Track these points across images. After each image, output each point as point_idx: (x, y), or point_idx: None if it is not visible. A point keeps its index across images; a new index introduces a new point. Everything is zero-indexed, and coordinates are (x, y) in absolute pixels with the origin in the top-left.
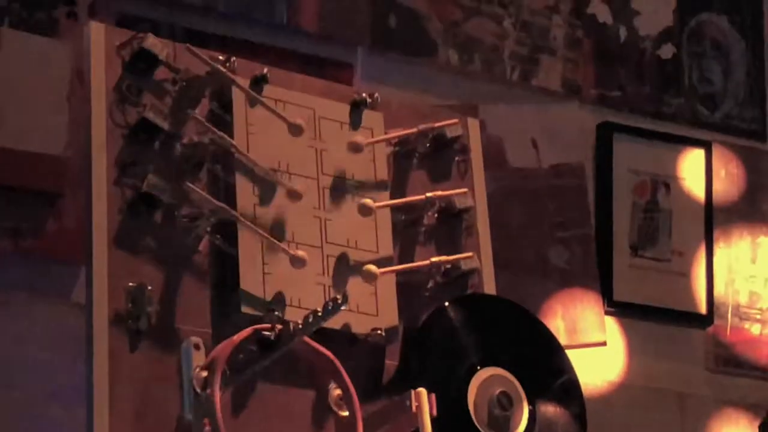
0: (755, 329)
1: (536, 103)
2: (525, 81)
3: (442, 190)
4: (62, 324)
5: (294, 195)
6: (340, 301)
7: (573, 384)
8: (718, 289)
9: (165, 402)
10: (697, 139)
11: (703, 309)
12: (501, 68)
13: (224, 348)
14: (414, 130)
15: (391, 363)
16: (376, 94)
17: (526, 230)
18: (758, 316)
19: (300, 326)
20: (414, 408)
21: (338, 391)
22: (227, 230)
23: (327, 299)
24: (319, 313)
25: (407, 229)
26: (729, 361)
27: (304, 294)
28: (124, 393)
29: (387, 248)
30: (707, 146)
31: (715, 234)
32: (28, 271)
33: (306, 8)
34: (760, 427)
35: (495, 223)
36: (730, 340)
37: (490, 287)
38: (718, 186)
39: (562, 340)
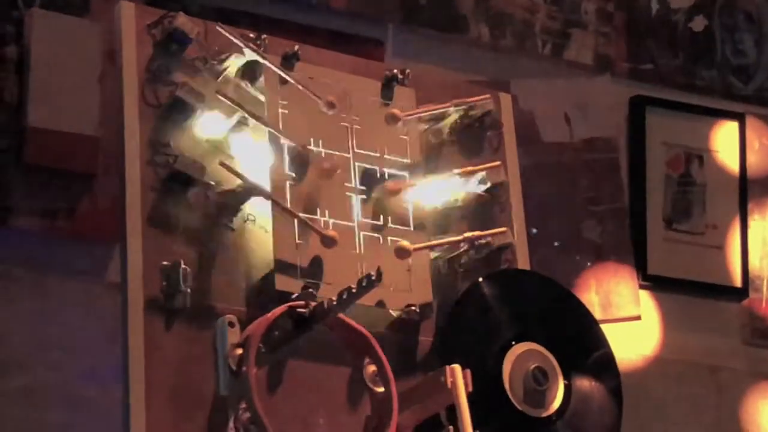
0: None
1: (568, 78)
2: (557, 55)
3: (474, 165)
4: (97, 304)
5: (326, 172)
6: (374, 278)
7: (608, 358)
8: (753, 262)
9: (200, 380)
10: (730, 111)
11: (738, 282)
12: (532, 43)
13: (259, 325)
14: (446, 105)
15: (426, 339)
16: (408, 71)
17: (560, 205)
18: None
19: (334, 303)
20: (449, 384)
21: (373, 368)
22: (260, 208)
23: (361, 276)
24: (354, 290)
25: (440, 205)
26: (764, 334)
27: (338, 271)
28: (159, 372)
29: (421, 224)
30: (741, 118)
31: (750, 206)
32: (62, 252)
33: None
34: None
35: (528, 198)
36: (765, 313)
37: (524, 262)
38: (752, 158)
39: (597, 314)
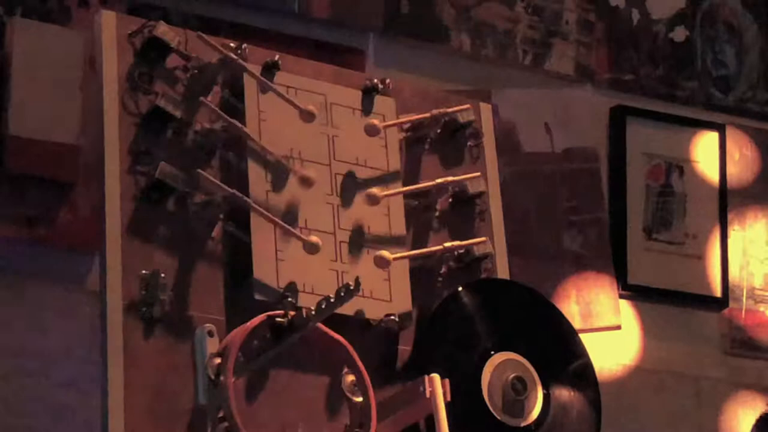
0: None
1: (549, 88)
2: (538, 65)
3: (455, 175)
4: (77, 312)
5: (306, 181)
6: (352, 287)
7: (587, 368)
8: (733, 272)
9: (179, 389)
10: (710, 122)
11: (717, 292)
12: (513, 53)
13: (237, 335)
14: (426, 115)
15: (405, 349)
16: (388, 80)
17: (540, 214)
18: None
19: (313, 312)
20: (428, 393)
21: (352, 377)
22: (240, 217)
23: (340, 285)
24: (332, 300)
25: (420, 214)
26: (744, 343)
27: (318, 280)
28: (138, 380)
29: (400, 234)
30: (721, 129)
31: (730, 217)
32: (42, 260)
33: None
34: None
35: (508, 208)
36: (745, 323)
37: (503, 272)
38: (732, 169)
39: (577, 324)
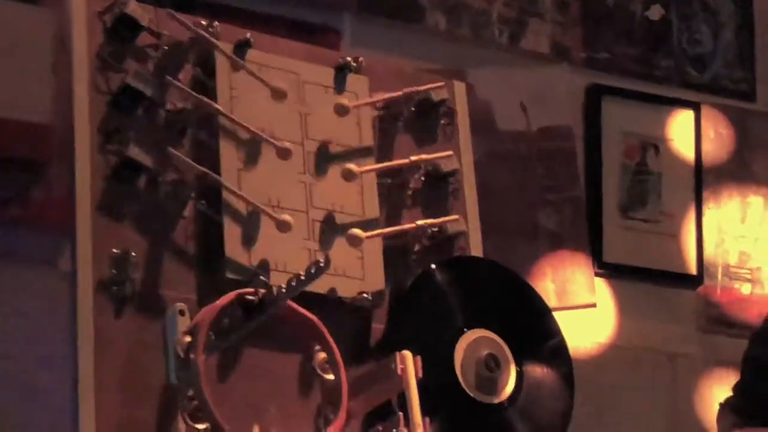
0: (745, 288)
1: (525, 67)
2: (513, 44)
3: (428, 153)
4: (50, 292)
5: (283, 153)
6: (322, 265)
7: (561, 346)
8: (708, 250)
9: (150, 367)
10: (686, 100)
11: (693, 269)
12: (489, 32)
13: (208, 313)
14: (399, 93)
15: (378, 326)
16: (361, 58)
17: (516, 193)
18: (748, 276)
19: (283, 290)
20: (400, 371)
21: (323, 355)
22: (212, 196)
23: (310, 263)
24: (302, 277)
25: (393, 192)
26: (719, 320)
27: (290, 258)
28: (109, 359)
29: (373, 212)
30: (696, 107)
31: (705, 195)
32: (15, 240)
33: None
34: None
35: (484, 187)
36: (720, 300)
37: (477, 250)
38: (707, 147)
39: (552, 302)
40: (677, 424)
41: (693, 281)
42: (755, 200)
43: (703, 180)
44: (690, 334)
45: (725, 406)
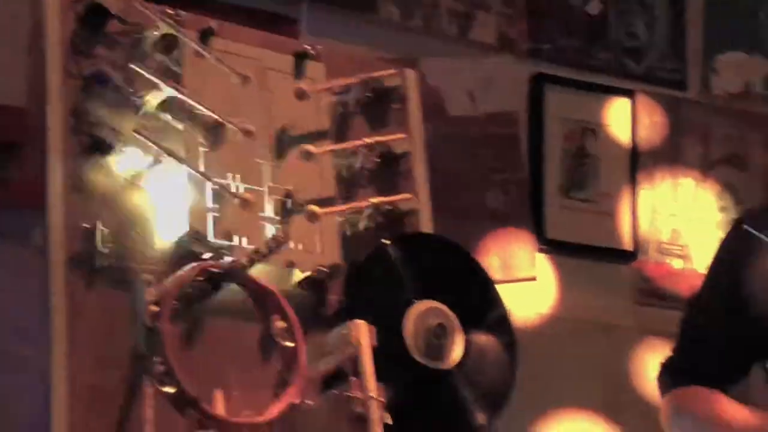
0: (677, 264)
1: (473, 57)
2: (462, 36)
3: (381, 136)
4: (26, 267)
5: (246, 133)
6: (281, 239)
7: (504, 316)
8: (642, 228)
9: (120, 336)
10: (622, 88)
11: (628, 246)
12: (439, 23)
13: (173, 284)
14: (354, 80)
15: (334, 297)
16: (319, 46)
17: (464, 174)
18: (679, 252)
19: (245, 263)
20: (354, 339)
21: (282, 324)
22: (176, 174)
23: (270, 238)
24: (262, 251)
25: (349, 172)
26: (652, 294)
27: (251, 233)
28: (80, 328)
29: (329, 190)
30: (632, 95)
31: (640, 176)
32: None
33: None
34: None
35: (434, 168)
36: (653, 274)
37: (427, 227)
38: (642, 132)
39: (496, 275)
40: (613, 389)
41: (628, 257)
42: (686, 182)
43: (637, 163)
44: (625, 306)
45: (665, 367)
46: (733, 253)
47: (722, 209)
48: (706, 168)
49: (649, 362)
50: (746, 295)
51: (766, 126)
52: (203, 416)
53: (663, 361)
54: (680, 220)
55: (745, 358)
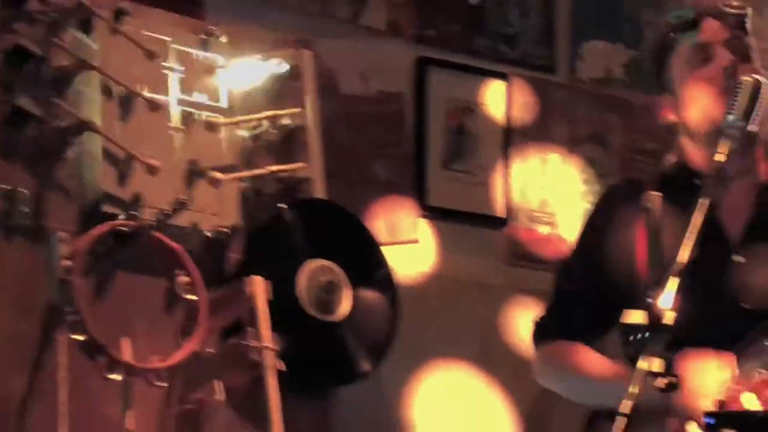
0: (544, 230)
1: (364, 40)
2: (355, 20)
3: (280, 110)
4: None
5: (154, 106)
6: (185, 202)
7: (389, 275)
8: (514, 197)
9: (36, 288)
10: (498, 72)
11: (501, 213)
12: (334, 8)
13: (85, 241)
14: (255, 58)
15: (234, 256)
16: (222, 27)
17: (355, 147)
18: (547, 219)
19: (151, 223)
20: (251, 293)
21: (186, 279)
22: (92, 141)
23: (175, 200)
24: (167, 211)
25: (249, 143)
26: (522, 256)
27: (158, 196)
28: (1, 281)
29: (232, 159)
30: (507, 78)
31: (512, 151)
32: None
33: None
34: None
35: (330, 141)
36: (523, 239)
37: (320, 193)
38: (515, 111)
39: (382, 238)
40: (486, 342)
41: (501, 223)
42: (553, 157)
43: (510, 139)
44: (498, 267)
45: (538, 324)
46: (597, 224)
47: (585, 182)
48: (571, 145)
49: (519, 317)
50: (608, 262)
51: (624, 108)
52: (111, 361)
53: (536, 319)
54: (548, 191)
55: (607, 317)
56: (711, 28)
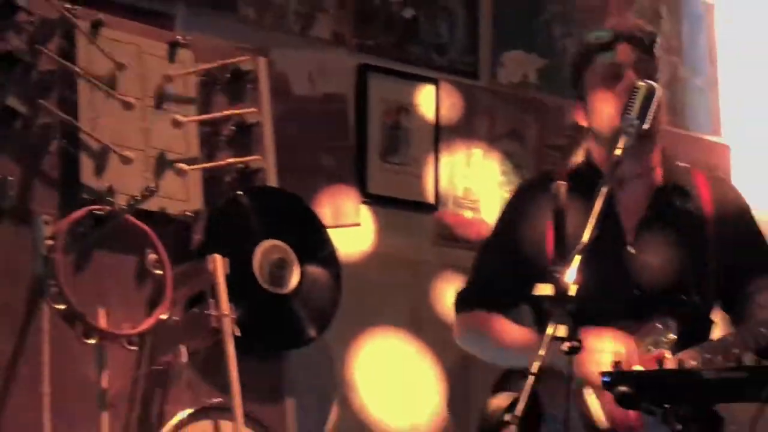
0: (468, 214)
1: (313, 48)
2: (305, 32)
3: (238, 109)
4: None
5: (128, 105)
6: (154, 189)
7: (333, 253)
8: (443, 186)
9: (23, 263)
10: (429, 77)
11: (431, 200)
12: (287, 22)
13: (66, 223)
14: (216, 64)
15: (197, 237)
16: (188, 37)
17: (304, 142)
18: (471, 205)
19: (124, 207)
20: (211, 268)
21: (154, 256)
22: (72, 136)
23: (145, 188)
24: (138, 198)
25: (211, 138)
26: (449, 237)
27: (130, 185)
28: None
29: (195, 152)
30: (437, 83)
31: (441, 146)
32: None
33: None
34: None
35: (282, 136)
36: (450, 222)
37: (273, 182)
38: (443, 111)
39: (328, 221)
40: (417, 311)
41: (431, 208)
42: (477, 151)
43: (439, 135)
44: (428, 246)
45: (460, 295)
46: (513, 210)
47: (503, 173)
48: (492, 141)
49: (445, 290)
50: (521, 242)
51: (538, 109)
52: (88, 328)
53: (458, 291)
54: (472, 181)
55: (520, 289)
56: (623, 51)
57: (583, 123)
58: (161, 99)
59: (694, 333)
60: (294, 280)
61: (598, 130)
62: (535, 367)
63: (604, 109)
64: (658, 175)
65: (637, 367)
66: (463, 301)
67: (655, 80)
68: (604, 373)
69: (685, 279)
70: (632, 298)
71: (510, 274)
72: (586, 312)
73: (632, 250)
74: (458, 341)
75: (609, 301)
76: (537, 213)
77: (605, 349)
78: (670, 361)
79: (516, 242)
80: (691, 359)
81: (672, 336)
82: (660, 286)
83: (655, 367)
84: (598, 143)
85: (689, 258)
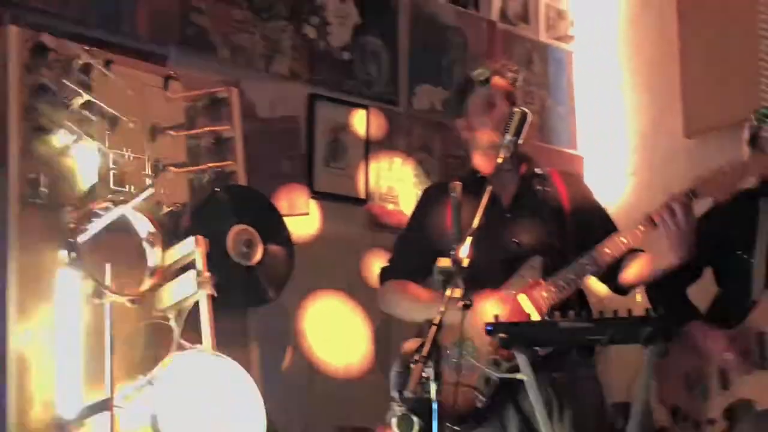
0: (390, 206)
1: (274, 82)
2: (267, 69)
3: (215, 126)
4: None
5: (132, 123)
6: (153, 187)
7: (288, 235)
8: (371, 185)
9: (53, 245)
10: (362, 104)
11: (363, 195)
12: (254, 60)
13: (85, 212)
14: (200, 92)
15: (184, 223)
16: (179, 72)
17: (267, 152)
18: (392, 200)
19: (126, 200)
20: (196, 247)
21: (152, 237)
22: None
23: (145, 185)
24: (140, 193)
25: (195, 148)
26: (376, 224)
27: (135, 183)
28: (27, 238)
29: (182, 158)
30: (367, 108)
31: (371, 155)
32: None
33: (140, 20)
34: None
35: (249, 148)
36: (376, 212)
37: (243, 182)
38: (372, 130)
39: (284, 211)
40: (352, 279)
41: (363, 202)
42: (397, 160)
43: (369, 147)
44: (360, 231)
45: (384, 269)
46: (422, 207)
47: (417, 176)
48: (408, 152)
49: (374, 264)
50: (428, 228)
51: (442, 129)
52: (102, 288)
53: (382, 266)
54: (393, 181)
55: (428, 263)
56: (497, 84)
57: (467, 136)
58: (158, 120)
59: (556, 268)
60: (258, 255)
61: (479, 143)
62: (437, 319)
63: (483, 129)
64: (524, 168)
65: (522, 298)
66: (385, 273)
67: (517, 105)
68: (487, 324)
69: (549, 231)
70: (512, 250)
71: (420, 251)
72: (479, 274)
73: (509, 215)
74: (381, 306)
75: (496, 256)
76: (439, 208)
77: (489, 308)
78: (538, 289)
79: (424, 229)
80: (551, 285)
81: (537, 264)
82: (531, 236)
83: (526, 319)
84: (478, 152)
85: (550, 219)
